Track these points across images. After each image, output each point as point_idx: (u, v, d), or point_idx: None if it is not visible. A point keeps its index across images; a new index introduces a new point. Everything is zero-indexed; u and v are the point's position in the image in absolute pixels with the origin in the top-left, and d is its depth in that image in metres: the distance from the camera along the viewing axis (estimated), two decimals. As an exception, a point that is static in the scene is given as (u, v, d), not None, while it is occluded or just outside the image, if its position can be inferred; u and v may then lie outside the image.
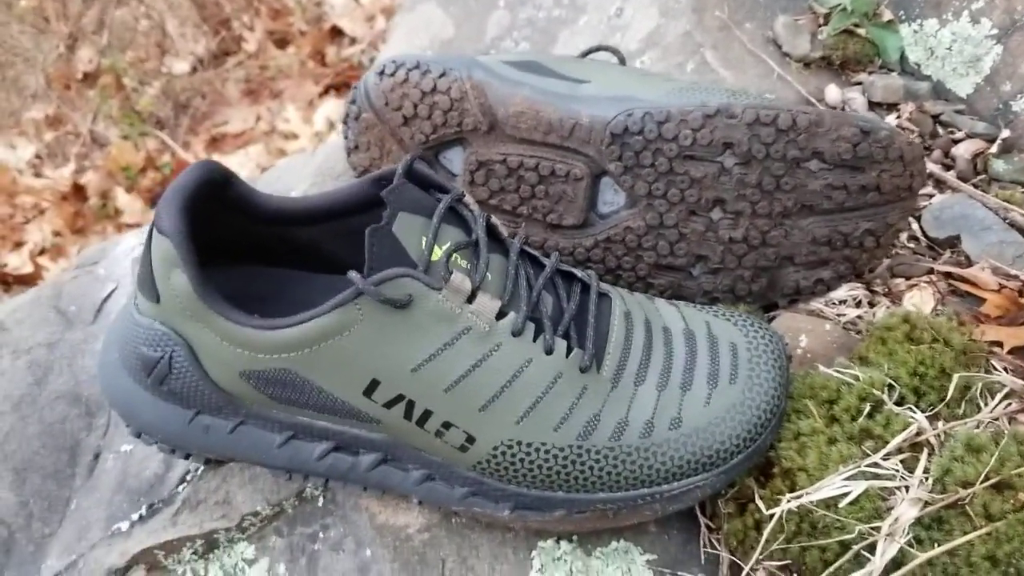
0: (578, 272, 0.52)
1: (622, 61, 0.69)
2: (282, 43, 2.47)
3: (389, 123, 0.64)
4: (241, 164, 2.10)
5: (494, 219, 0.50)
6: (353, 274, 0.44)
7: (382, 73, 0.64)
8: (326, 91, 2.28)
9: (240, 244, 0.52)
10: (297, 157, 0.84)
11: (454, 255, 0.47)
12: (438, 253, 0.46)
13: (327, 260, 0.54)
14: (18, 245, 2.01)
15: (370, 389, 0.46)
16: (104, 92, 2.30)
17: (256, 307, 0.48)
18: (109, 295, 0.72)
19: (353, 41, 2.40)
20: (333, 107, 2.19)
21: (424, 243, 0.46)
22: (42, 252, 2.01)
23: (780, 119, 0.56)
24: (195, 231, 0.45)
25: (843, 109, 0.76)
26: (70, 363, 0.69)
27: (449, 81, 0.62)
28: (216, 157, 2.16)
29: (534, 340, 0.48)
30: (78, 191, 2.13)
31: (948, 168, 0.71)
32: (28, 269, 1.94)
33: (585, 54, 0.71)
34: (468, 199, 0.49)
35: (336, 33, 2.42)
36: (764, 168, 0.57)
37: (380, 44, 2.35)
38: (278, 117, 2.28)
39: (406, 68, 0.63)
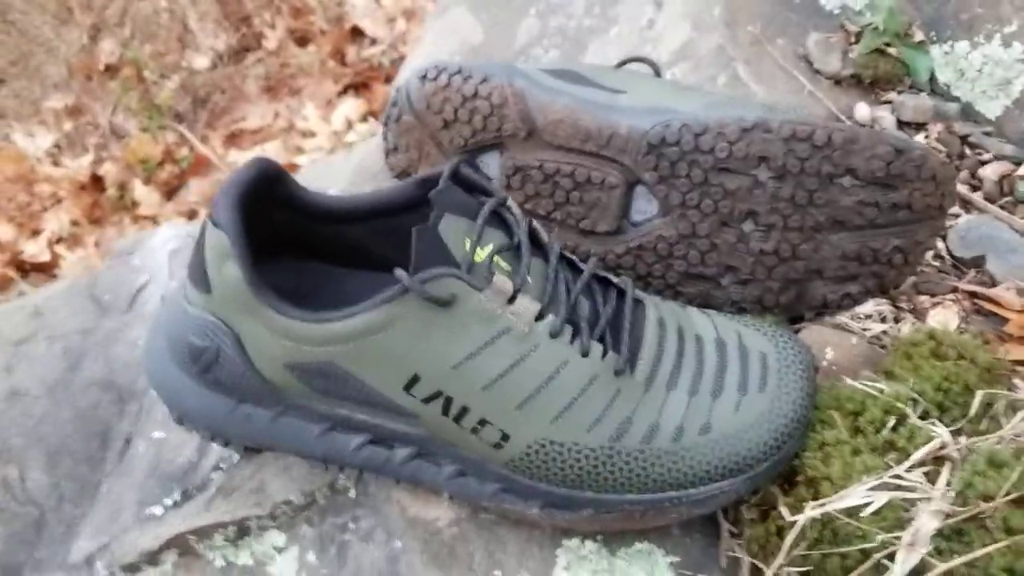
0: (614, 278, 0.53)
1: (657, 72, 0.70)
2: (303, 41, 2.48)
3: (429, 126, 0.65)
4: (259, 159, 2.12)
5: (535, 224, 0.51)
6: (400, 272, 0.45)
7: (424, 77, 0.65)
8: (345, 90, 2.30)
9: (289, 239, 0.54)
10: (335, 156, 0.86)
11: (496, 257, 0.48)
12: (481, 255, 0.48)
13: (372, 257, 0.55)
14: (35, 233, 2.03)
15: (410, 384, 0.48)
16: (125, 84, 2.31)
17: (302, 301, 0.50)
18: (143, 286, 0.74)
19: (374, 42, 2.41)
20: (352, 107, 2.21)
21: (468, 244, 0.47)
22: (59, 241, 2.03)
23: (816, 135, 0.57)
24: (248, 226, 0.47)
25: (873, 127, 0.77)
26: (104, 350, 0.70)
27: (490, 87, 0.63)
28: (234, 153, 2.18)
29: (571, 342, 0.49)
30: (96, 181, 2.15)
31: (975, 189, 0.72)
32: (45, 257, 1.96)
33: (620, 64, 0.72)
34: (511, 203, 0.50)
35: (357, 33, 2.43)
36: (798, 183, 0.58)
37: (401, 45, 2.36)
38: (296, 115, 2.29)
39: (448, 73, 0.64)
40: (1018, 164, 0.72)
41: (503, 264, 0.48)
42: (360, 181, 0.74)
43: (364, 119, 2.18)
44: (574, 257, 0.55)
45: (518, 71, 0.64)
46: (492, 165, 0.65)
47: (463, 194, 0.50)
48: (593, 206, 0.62)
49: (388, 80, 2.23)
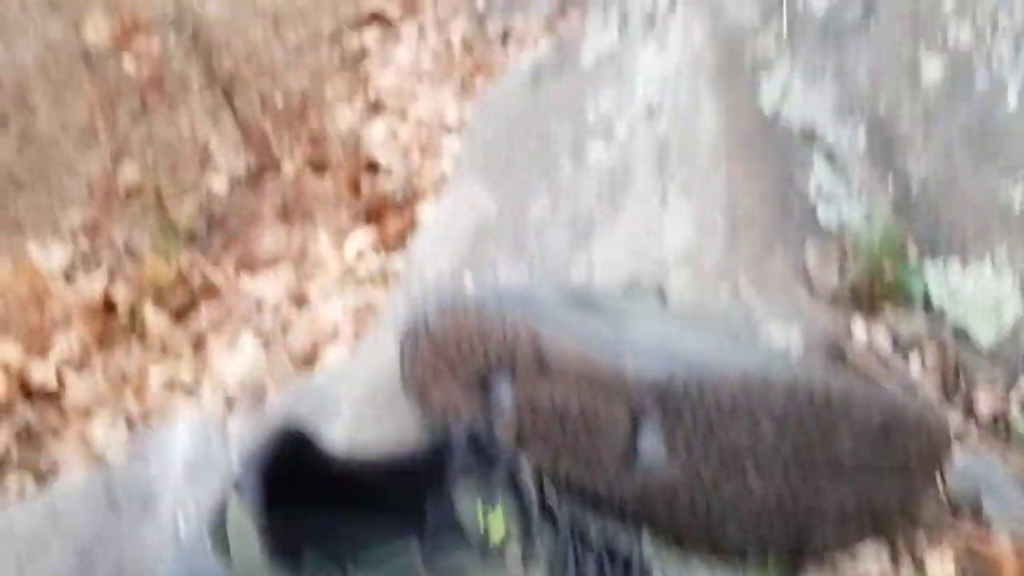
0: (624, 548, 0.55)
1: (663, 298, 0.74)
2: (319, 169, 2.54)
3: (444, 354, 0.68)
4: (270, 286, 2.15)
5: (547, 488, 0.53)
6: (412, 545, 0.47)
7: (441, 306, 0.69)
8: (359, 221, 2.34)
9: (307, 490, 0.56)
10: (347, 366, 0.89)
11: (508, 527, 0.50)
12: (494, 524, 0.49)
13: (390, 506, 0.56)
14: (43, 354, 2.04)
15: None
16: (143, 205, 2.36)
17: (318, 546, 0.51)
18: (158, 489, 0.75)
19: (389, 174, 2.46)
20: (365, 237, 2.25)
21: (480, 513, 0.49)
22: (66, 363, 2.04)
23: (815, 391, 0.60)
24: (271, 494, 0.49)
25: (869, 346, 0.79)
26: (117, 555, 0.71)
27: (504, 320, 0.66)
28: (245, 278, 2.21)
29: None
30: (107, 302, 2.17)
31: (969, 414, 0.74)
32: (52, 382, 1.96)
33: (628, 286, 0.75)
34: (525, 468, 0.53)
35: (372, 165, 2.49)
36: (797, 434, 0.60)
37: (415, 179, 2.41)
38: (310, 242, 2.32)
39: (464, 304, 0.68)
40: (1010, 392, 0.74)
41: (514, 533, 0.50)
42: (373, 400, 0.77)
43: (376, 251, 2.21)
44: (582, 511, 0.56)
45: (533, 303, 0.68)
46: (504, 398, 0.67)
47: (478, 458, 0.52)
48: (600, 444, 0.64)
49: (402, 212, 2.28)
